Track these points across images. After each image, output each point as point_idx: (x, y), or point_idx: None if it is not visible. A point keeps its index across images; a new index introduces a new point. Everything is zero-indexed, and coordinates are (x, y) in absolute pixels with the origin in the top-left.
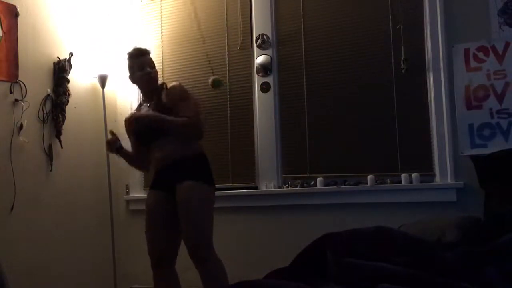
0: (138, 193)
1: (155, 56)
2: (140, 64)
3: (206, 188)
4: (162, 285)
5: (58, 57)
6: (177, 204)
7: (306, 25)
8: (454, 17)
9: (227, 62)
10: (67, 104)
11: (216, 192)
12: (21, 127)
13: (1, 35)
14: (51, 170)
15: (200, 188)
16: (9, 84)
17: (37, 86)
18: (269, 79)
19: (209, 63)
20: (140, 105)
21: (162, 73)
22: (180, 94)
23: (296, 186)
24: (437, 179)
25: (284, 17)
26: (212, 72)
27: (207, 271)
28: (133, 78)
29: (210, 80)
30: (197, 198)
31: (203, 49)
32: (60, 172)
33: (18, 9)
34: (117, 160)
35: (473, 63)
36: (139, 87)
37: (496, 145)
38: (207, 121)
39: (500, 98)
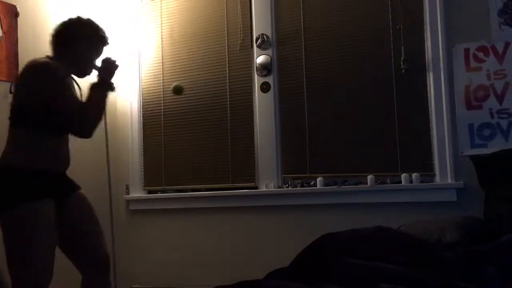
0: (138, 193)
1: (155, 56)
2: None
3: None
4: None
5: None
6: (75, 214)
7: (306, 25)
8: (454, 17)
9: (227, 62)
10: None
11: (216, 192)
12: None
13: (1, 35)
14: None
15: None
16: (9, 84)
17: None
18: (269, 79)
19: (205, 62)
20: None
21: (162, 73)
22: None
23: (296, 186)
24: (437, 179)
25: (284, 17)
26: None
27: (109, 283)
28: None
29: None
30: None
31: (203, 49)
32: None
33: (18, 9)
34: (117, 160)
35: (473, 63)
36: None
37: (496, 145)
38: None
39: (500, 98)
